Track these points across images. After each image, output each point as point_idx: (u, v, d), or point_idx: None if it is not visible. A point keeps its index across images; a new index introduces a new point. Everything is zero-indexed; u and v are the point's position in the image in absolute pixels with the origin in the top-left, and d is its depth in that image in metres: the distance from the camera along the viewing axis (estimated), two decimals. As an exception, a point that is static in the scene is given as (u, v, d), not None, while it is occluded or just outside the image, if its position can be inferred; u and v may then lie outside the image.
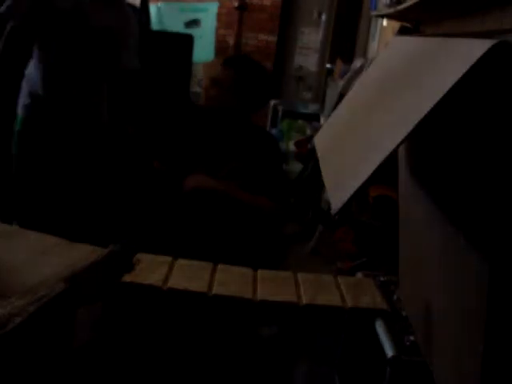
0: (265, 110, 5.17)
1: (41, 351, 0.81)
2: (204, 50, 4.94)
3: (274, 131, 4.71)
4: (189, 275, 1.04)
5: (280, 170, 1.93)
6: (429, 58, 0.75)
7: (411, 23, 2.73)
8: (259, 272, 1.09)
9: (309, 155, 3.20)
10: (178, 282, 1.01)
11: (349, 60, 4.30)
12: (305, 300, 1.00)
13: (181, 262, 1.10)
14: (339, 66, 4.31)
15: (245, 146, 1.83)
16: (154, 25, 4.30)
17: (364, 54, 4.64)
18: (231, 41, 5.65)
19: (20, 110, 1.99)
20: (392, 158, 0.66)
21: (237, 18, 5.60)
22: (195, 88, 4.60)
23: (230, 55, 1.90)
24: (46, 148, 1.98)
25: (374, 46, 4.21)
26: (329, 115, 3.69)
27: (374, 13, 3.34)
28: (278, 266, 1.80)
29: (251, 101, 1.83)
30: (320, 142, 1.07)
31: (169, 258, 1.10)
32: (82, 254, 1.01)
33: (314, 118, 5.21)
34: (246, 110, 1.85)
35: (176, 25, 4.87)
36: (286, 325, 1.09)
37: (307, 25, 5.83)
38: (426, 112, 0.60)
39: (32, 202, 2.00)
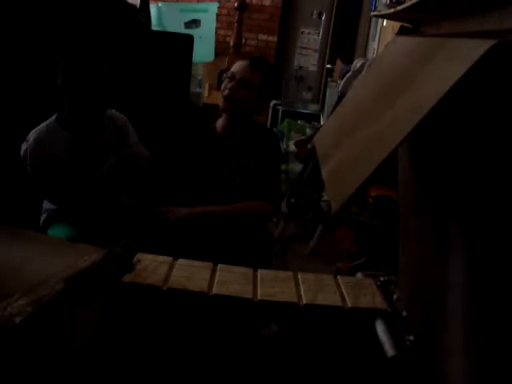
0: (265, 109, 5.18)
1: (41, 351, 0.81)
2: (204, 50, 4.93)
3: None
4: (189, 275, 1.04)
5: (279, 171, 1.95)
6: (429, 58, 0.75)
7: (411, 23, 2.73)
8: (259, 272, 1.09)
9: (309, 155, 3.20)
10: (177, 282, 1.01)
11: (349, 60, 4.30)
12: (305, 300, 1.00)
13: (181, 261, 1.10)
14: (339, 66, 4.31)
15: (249, 144, 1.86)
16: (154, 25, 4.29)
17: (364, 54, 4.65)
18: (231, 41, 5.64)
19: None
20: (392, 157, 0.66)
21: (237, 18, 5.60)
22: (195, 88, 4.59)
23: (253, 56, 1.91)
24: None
25: (373, 46, 4.21)
26: (329, 115, 3.69)
27: (373, 13, 3.34)
28: (270, 262, 1.82)
29: (269, 101, 1.91)
30: (320, 142, 1.07)
31: (169, 258, 1.10)
32: (82, 253, 1.01)
33: (313, 118, 5.22)
34: (258, 110, 1.88)
35: (176, 25, 4.86)
36: (285, 325, 1.09)
37: (307, 25, 5.82)
38: (425, 112, 0.60)
39: None
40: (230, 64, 4.58)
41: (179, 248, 1.44)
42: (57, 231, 1.84)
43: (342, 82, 3.30)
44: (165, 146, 1.96)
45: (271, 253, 1.89)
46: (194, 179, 1.84)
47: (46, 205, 1.95)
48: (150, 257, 1.10)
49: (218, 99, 1.90)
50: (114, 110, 1.99)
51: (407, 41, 0.94)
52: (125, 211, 1.96)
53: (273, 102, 5.28)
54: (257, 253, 1.68)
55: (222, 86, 1.84)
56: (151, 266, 1.05)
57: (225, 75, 1.83)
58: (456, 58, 0.63)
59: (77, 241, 1.15)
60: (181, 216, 1.75)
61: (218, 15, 5.40)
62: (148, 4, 3.17)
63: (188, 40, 2.76)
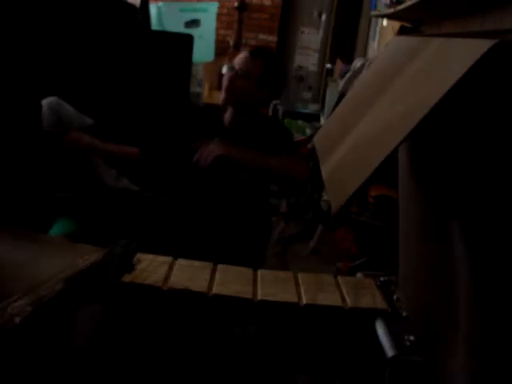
0: (265, 109, 5.18)
1: (41, 351, 0.81)
2: (204, 50, 4.94)
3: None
4: (189, 275, 1.04)
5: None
6: (429, 58, 0.75)
7: (411, 23, 2.73)
8: (259, 272, 1.09)
9: (309, 155, 3.20)
10: (178, 281, 1.01)
11: (349, 60, 4.30)
12: (305, 300, 1.00)
13: (181, 261, 1.10)
14: (339, 65, 4.31)
15: (258, 139, 1.81)
16: (154, 25, 4.29)
17: (364, 54, 4.65)
18: (231, 41, 5.64)
19: None
20: (392, 157, 0.66)
21: (237, 18, 5.60)
22: (195, 88, 4.60)
23: (253, 48, 1.91)
24: None
25: (373, 46, 4.21)
26: (329, 115, 3.69)
27: (373, 13, 3.35)
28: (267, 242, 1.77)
29: (273, 92, 1.83)
30: (320, 142, 1.07)
31: (169, 258, 1.10)
32: (82, 253, 1.01)
33: (314, 118, 5.22)
34: (266, 102, 1.84)
35: (176, 25, 4.87)
36: (286, 325, 1.09)
37: (307, 25, 5.83)
38: (425, 112, 0.60)
39: None
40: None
41: (178, 244, 1.43)
42: (59, 227, 1.84)
43: (342, 82, 3.30)
44: (170, 135, 1.91)
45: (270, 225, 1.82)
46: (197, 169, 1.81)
47: None
48: (150, 257, 1.10)
49: (218, 99, 1.88)
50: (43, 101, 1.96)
51: (407, 40, 0.94)
52: (130, 197, 1.95)
53: (273, 102, 5.29)
54: (258, 226, 1.61)
55: (223, 79, 1.79)
56: (151, 266, 1.05)
57: (227, 68, 1.80)
58: (456, 58, 0.63)
59: (79, 236, 1.14)
60: (217, 154, 1.62)
61: (218, 15, 5.41)
62: (148, 4, 3.17)
63: (188, 40, 2.76)
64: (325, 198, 3.14)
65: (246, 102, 1.78)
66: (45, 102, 1.96)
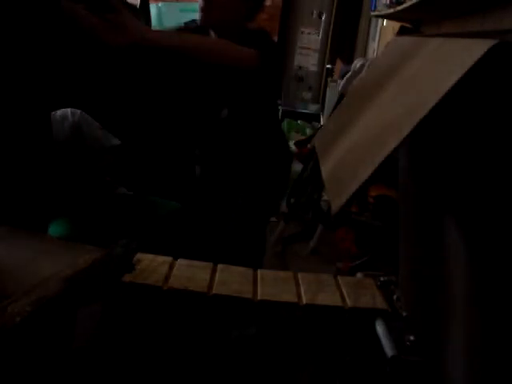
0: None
1: (40, 351, 0.81)
2: (204, 50, 4.94)
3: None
4: (189, 275, 1.04)
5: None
6: (428, 58, 0.75)
7: (411, 23, 2.73)
8: (259, 272, 1.09)
9: (309, 155, 3.20)
10: (178, 281, 1.01)
11: (349, 60, 4.30)
12: (305, 300, 1.00)
13: (181, 261, 1.10)
14: (339, 66, 4.32)
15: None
16: (154, 25, 4.29)
17: (364, 54, 4.65)
18: (231, 41, 5.63)
19: None
20: (392, 157, 0.66)
21: (237, 18, 5.59)
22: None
23: None
24: None
25: (373, 46, 4.21)
26: (329, 115, 3.69)
27: (373, 13, 3.35)
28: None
29: (255, 3, 1.58)
30: (320, 142, 1.07)
31: (169, 258, 1.10)
32: (82, 253, 1.01)
33: (314, 118, 5.22)
34: (248, 15, 1.58)
35: (176, 25, 4.87)
36: (286, 325, 1.09)
37: (307, 25, 5.83)
38: (425, 112, 0.60)
39: None
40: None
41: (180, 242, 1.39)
42: (56, 228, 1.84)
43: (341, 82, 3.30)
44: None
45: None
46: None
47: None
48: (150, 257, 1.10)
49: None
50: (66, 109, 1.93)
51: (407, 41, 0.94)
52: (125, 203, 1.95)
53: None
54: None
55: None
56: (151, 266, 1.06)
57: None
58: (456, 58, 0.63)
59: (75, 237, 1.14)
60: (147, 40, 1.31)
61: (217, 15, 5.39)
62: (148, 4, 3.17)
63: (188, 40, 2.76)
64: (325, 197, 3.14)
65: (226, 21, 1.54)
66: (68, 119, 1.93)
